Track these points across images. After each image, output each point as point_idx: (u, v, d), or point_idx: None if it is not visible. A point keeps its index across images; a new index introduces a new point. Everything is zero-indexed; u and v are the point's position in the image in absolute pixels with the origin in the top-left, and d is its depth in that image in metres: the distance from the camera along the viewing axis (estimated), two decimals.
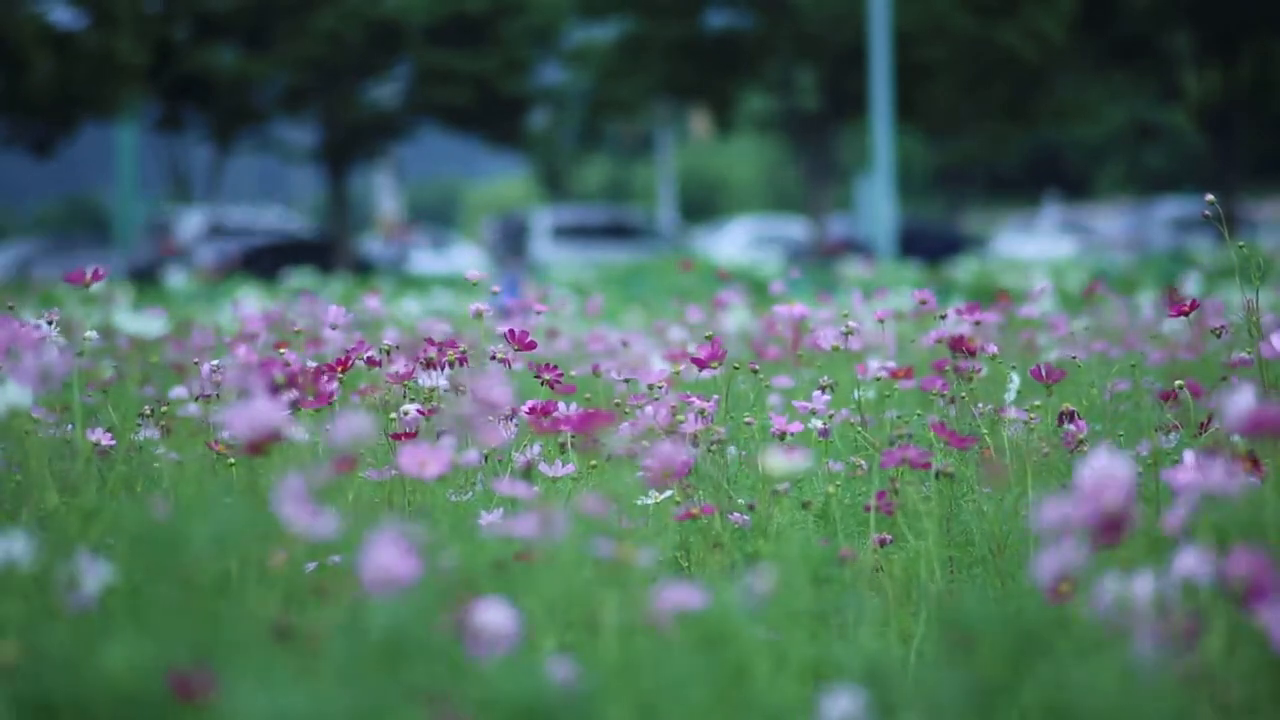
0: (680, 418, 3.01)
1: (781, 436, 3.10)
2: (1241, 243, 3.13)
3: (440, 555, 2.00)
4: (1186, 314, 3.19)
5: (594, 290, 13.10)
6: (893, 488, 2.72)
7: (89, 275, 3.01)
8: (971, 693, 1.75)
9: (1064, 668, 1.76)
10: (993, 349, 3.40)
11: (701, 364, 3.09)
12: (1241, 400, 1.96)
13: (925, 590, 2.47)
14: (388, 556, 1.79)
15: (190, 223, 27.07)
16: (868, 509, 2.66)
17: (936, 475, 2.74)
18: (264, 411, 1.99)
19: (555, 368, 3.12)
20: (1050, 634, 1.77)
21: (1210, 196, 3.11)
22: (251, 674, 1.67)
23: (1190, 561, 1.85)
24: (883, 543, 2.62)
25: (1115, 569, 2.25)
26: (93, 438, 2.95)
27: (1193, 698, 1.79)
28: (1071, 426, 3.09)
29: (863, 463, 3.23)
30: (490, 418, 2.12)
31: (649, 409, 2.96)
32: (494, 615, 1.81)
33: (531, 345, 3.13)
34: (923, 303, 3.90)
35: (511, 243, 29.02)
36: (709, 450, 3.06)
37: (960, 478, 2.93)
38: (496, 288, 3.71)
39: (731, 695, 1.85)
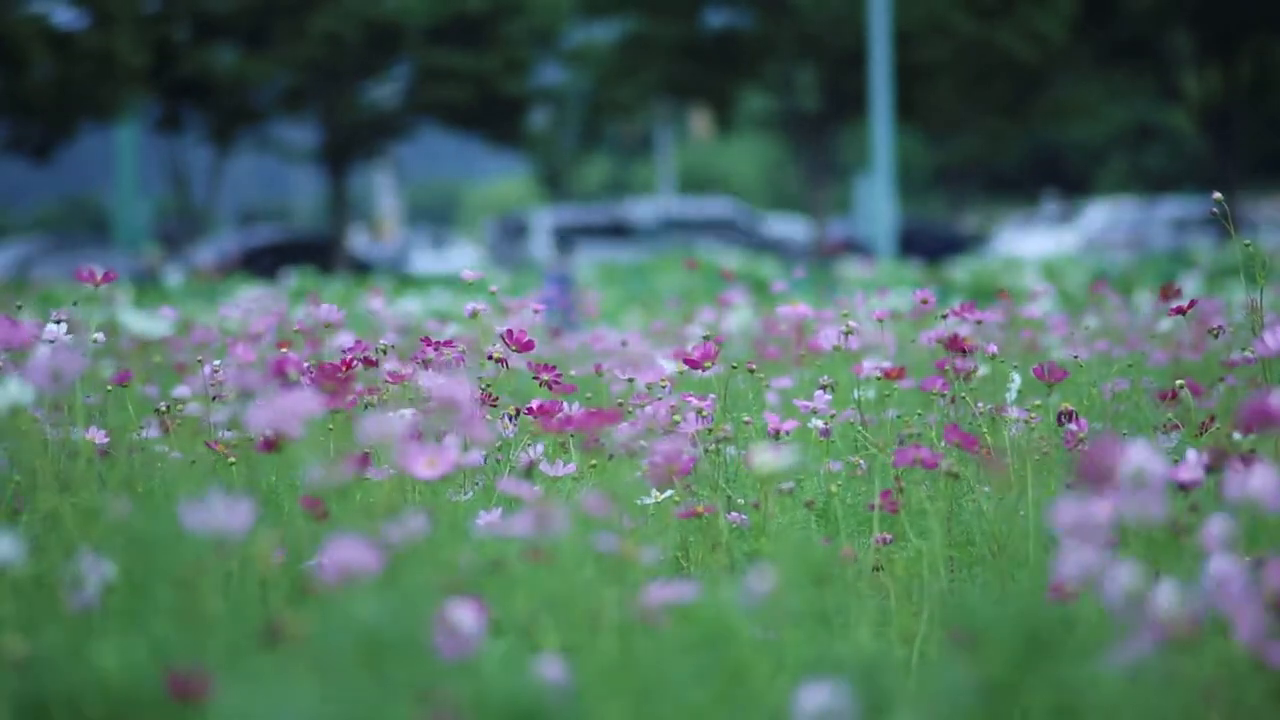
0: (678, 418, 3.00)
1: (776, 435, 3.10)
2: (1247, 241, 3.11)
3: (436, 554, 2.00)
4: (1184, 312, 3.18)
5: (595, 289, 13.08)
6: (897, 487, 2.71)
7: (99, 276, 3.00)
8: (975, 691, 1.74)
9: (1069, 667, 1.75)
10: (993, 349, 3.40)
11: (694, 364, 3.08)
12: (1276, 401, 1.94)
13: (928, 589, 2.47)
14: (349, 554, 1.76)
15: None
16: (871, 508, 2.65)
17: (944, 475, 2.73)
18: (300, 402, 1.96)
19: (553, 367, 3.11)
20: (1055, 633, 1.77)
21: (1218, 195, 3.09)
22: (241, 675, 1.67)
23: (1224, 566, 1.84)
24: (884, 542, 2.61)
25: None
26: (91, 436, 2.94)
27: (1197, 697, 1.79)
28: (1072, 426, 3.09)
29: (862, 462, 3.23)
30: (465, 415, 2.10)
31: (649, 408, 2.95)
32: (463, 617, 1.78)
33: (529, 345, 3.12)
34: (924, 302, 3.90)
35: (561, 242, 29.08)
36: (708, 450, 3.05)
37: (961, 477, 2.92)
38: (542, 291, 3.70)
39: (730, 694, 1.85)
